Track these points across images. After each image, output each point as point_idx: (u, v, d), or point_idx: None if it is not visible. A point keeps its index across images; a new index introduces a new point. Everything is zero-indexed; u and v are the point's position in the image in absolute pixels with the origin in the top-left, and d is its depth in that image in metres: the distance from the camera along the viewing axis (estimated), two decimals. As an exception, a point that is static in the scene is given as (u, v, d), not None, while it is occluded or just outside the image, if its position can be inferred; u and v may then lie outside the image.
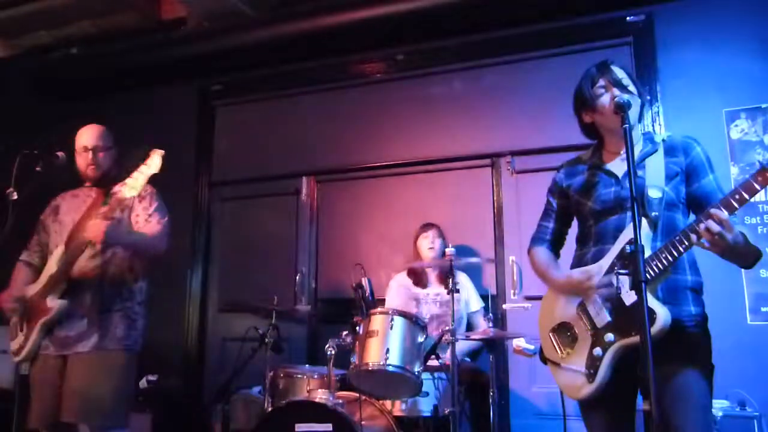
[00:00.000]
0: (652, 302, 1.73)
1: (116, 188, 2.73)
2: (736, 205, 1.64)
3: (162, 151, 2.57)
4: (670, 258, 1.74)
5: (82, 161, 2.80)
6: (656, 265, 1.76)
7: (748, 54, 3.53)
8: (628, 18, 3.82)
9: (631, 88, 1.94)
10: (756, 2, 3.57)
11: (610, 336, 1.83)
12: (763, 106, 3.47)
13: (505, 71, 4.19)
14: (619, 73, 1.96)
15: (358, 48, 4.46)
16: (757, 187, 1.61)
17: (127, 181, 2.51)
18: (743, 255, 1.75)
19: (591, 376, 1.85)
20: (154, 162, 2.54)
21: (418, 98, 4.35)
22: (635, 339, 1.74)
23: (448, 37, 4.24)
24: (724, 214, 1.63)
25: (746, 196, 1.62)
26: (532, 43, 4.09)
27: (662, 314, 1.73)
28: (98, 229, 2.47)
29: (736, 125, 3.52)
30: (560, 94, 3.83)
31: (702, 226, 1.65)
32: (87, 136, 2.81)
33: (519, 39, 4.11)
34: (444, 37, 4.26)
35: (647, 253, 1.73)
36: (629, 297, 1.78)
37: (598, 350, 1.85)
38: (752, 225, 3.37)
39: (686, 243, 1.71)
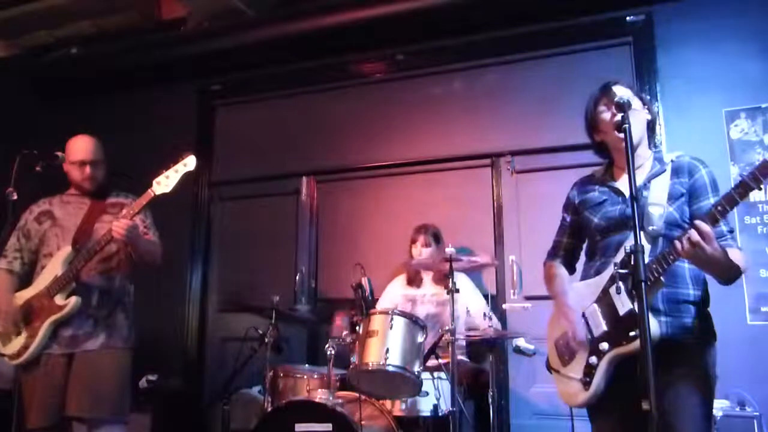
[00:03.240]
0: None
1: (112, 200, 2.79)
2: (718, 216, 1.69)
3: (194, 156, 2.62)
4: (660, 269, 1.78)
5: (78, 174, 2.83)
6: (647, 277, 1.76)
7: (748, 54, 3.53)
8: (627, 18, 3.82)
9: (636, 103, 1.97)
10: (756, 2, 3.57)
11: (604, 345, 1.88)
12: (763, 106, 3.47)
13: (505, 71, 4.19)
14: (621, 91, 1.97)
15: (358, 48, 4.46)
16: (738, 198, 1.68)
17: (160, 178, 2.57)
18: (721, 270, 1.80)
19: (587, 383, 1.91)
20: (190, 161, 2.60)
21: (418, 98, 4.34)
22: (628, 347, 1.80)
23: (448, 37, 4.24)
24: (706, 226, 1.68)
25: (728, 207, 1.69)
26: (532, 43, 4.08)
27: (652, 325, 1.74)
28: (127, 228, 2.54)
29: (736, 125, 3.52)
30: (560, 94, 3.89)
31: (684, 236, 1.70)
32: (82, 149, 2.83)
33: (519, 39, 4.10)
34: (444, 37, 4.25)
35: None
36: (623, 306, 1.83)
37: (593, 359, 1.90)
38: (752, 225, 3.37)
39: (673, 255, 1.76)
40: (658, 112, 3.59)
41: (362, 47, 4.45)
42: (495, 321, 3.19)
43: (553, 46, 4.04)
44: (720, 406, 2.84)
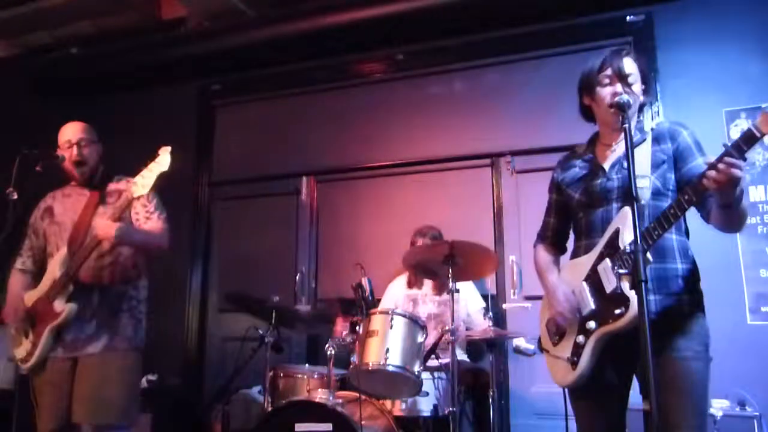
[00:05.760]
0: (628, 290, 1.74)
1: (112, 187, 2.75)
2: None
3: (169, 148, 2.55)
4: (646, 244, 1.71)
5: (68, 158, 2.75)
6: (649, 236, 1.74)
7: (748, 54, 3.53)
8: (627, 18, 3.83)
9: (636, 87, 1.94)
10: (756, 2, 3.57)
11: (591, 324, 1.87)
12: (763, 106, 3.47)
13: (505, 71, 4.19)
14: (630, 66, 1.95)
15: (358, 48, 4.46)
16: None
17: (137, 179, 2.50)
18: (740, 213, 1.77)
19: (574, 363, 1.89)
20: (164, 159, 2.53)
21: (418, 98, 4.35)
22: (614, 326, 1.79)
23: (448, 37, 4.24)
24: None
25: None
26: (532, 43, 4.09)
27: (635, 302, 1.68)
28: (109, 230, 2.46)
29: (736, 125, 3.51)
30: (560, 94, 3.88)
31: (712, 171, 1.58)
32: (70, 130, 2.78)
33: (519, 39, 4.11)
34: (444, 37, 4.26)
35: None
36: (610, 284, 1.82)
37: (581, 338, 1.89)
38: (752, 225, 3.36)
39: (693, 195, 1.66)
40: (655, 100, 3.57)
41: (362, 47, 4.45)
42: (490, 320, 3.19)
43: (553, 46, 4.04)
44: (720, 406, 2.84)
